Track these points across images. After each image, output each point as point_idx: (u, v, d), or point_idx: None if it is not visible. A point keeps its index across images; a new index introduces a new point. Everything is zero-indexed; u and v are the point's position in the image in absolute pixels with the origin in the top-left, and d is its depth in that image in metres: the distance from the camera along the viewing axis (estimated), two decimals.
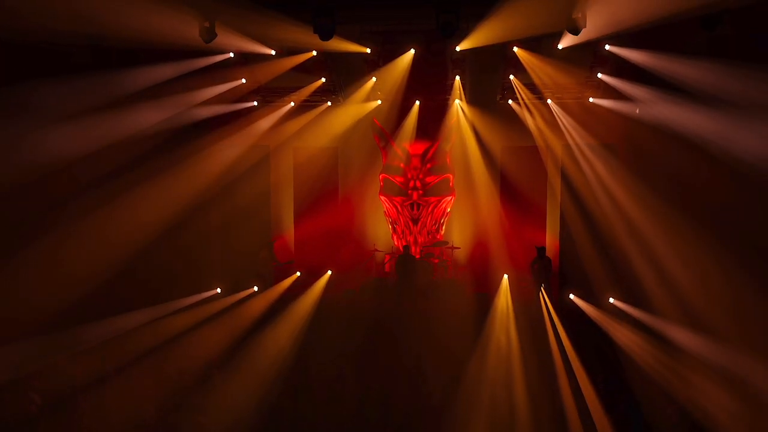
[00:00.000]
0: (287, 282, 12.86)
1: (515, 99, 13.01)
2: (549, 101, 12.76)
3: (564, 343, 11.04)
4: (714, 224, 9.91)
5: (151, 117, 11.19)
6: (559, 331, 11.35)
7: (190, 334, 10.37)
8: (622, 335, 10.92)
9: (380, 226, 14.09)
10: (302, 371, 9.69)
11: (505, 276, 12.73)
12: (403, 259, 12.54)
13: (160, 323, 10.87)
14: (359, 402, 8.99)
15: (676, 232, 10.73)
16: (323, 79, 12.98)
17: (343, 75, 13.03)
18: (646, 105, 11.03)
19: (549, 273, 12.44)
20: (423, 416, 8.72)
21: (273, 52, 12.24)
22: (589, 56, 11.93)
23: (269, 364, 9.59)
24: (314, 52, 12.33)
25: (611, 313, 11.64)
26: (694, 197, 10.25)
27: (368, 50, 12.29)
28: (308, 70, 12.74)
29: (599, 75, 12.02)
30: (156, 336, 10.40)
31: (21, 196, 10.44)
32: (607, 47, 11.24)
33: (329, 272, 13.06)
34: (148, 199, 11.89)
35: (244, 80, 12.74)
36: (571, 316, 11.77)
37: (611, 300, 12.04)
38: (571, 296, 12.27)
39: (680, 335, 10.37)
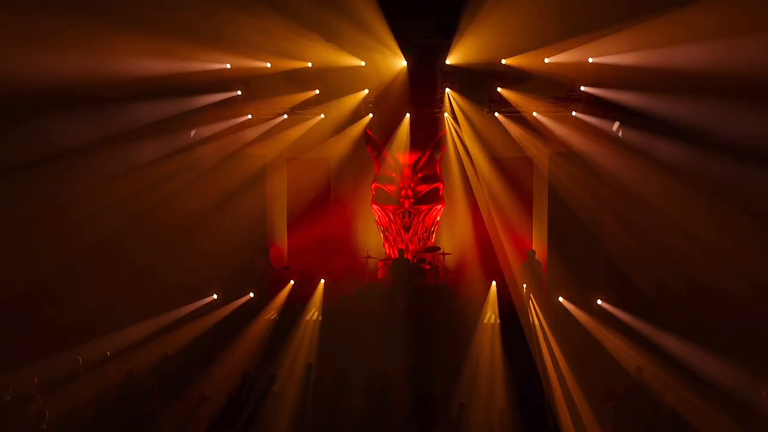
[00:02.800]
0: (285, 292, 13.01)
1: (502, 111, 13.51)
2: (534, 113, 13.29)
3: (553, 346, 11.37)
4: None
5: (147, 116, 11.49)
6: (547, 333, 11.71)
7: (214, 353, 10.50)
8: (610, 337, 11.33)
9: (372, 234, 14.39)
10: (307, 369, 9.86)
11: (494, 283, 13.11)
12: (398, 262, 12.79)
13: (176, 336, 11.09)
14: (362, 394, 9.22)
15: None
16: (317, 91, 13.32)
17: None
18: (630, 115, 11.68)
19: (540, 275, 12.80)
20: (427, 407, 8.89)
21: (268, 65, 12.62)
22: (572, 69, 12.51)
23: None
24: (309, 64, 12.75)
25: (599, 315, 12.06)
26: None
27: (363, 63, 12.74)
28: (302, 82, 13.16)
29: (582, 88, 12.65)
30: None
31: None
32: (590, 60, 11.92)
33: (323, 281, 13.27)
34: (146, 208, 12.14)
35: (239, 92, 13.08)
36: (559, 318, 12.11)
37: (599, 302, 12.47)
38: (560, 299, 12.66)
39: (666, 340, 10.88)
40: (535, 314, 12.18)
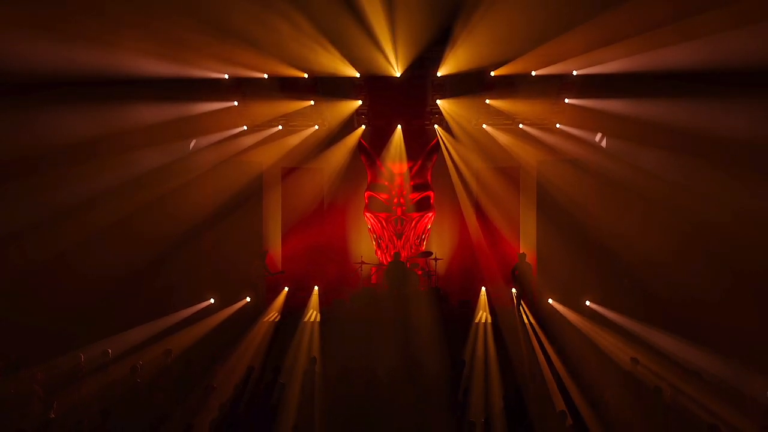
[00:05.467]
0: (281, 299, 13.18)
1: (490, 123, 14.05)
2: (521, 125, 13.87)
3: (544, 347, 11.67)
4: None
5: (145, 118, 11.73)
6: (539, 335, 12.03)
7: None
8: (600, 335, 11.69)
9: (365, 242, 14.70)
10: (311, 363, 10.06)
11: (483, 288, 13.45)
12: (394, 265, 13.03)
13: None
14: (366, 383, 9.46)
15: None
16: (312, 102, 13.68)
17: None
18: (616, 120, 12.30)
19: (530, 277, 13.16)
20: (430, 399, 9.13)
21: (265, 75, 12.97)
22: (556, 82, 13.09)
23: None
24: (305, 75, 13.12)
25: (588, 314, 12.45)
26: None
27: (358, 74, 13.16)
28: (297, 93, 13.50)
29: (566, 100, 13.24)
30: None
31: None
32: (575, 72, 12.54)
33: (316, 288, 13.46)
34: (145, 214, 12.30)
35: (236, 102, 13.37)
36: (549, 319, 12.44)
37: (587, 303, 12.87)
38: (550, 301, 13.03)
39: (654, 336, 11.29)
40: (525, 314, 12.52)
